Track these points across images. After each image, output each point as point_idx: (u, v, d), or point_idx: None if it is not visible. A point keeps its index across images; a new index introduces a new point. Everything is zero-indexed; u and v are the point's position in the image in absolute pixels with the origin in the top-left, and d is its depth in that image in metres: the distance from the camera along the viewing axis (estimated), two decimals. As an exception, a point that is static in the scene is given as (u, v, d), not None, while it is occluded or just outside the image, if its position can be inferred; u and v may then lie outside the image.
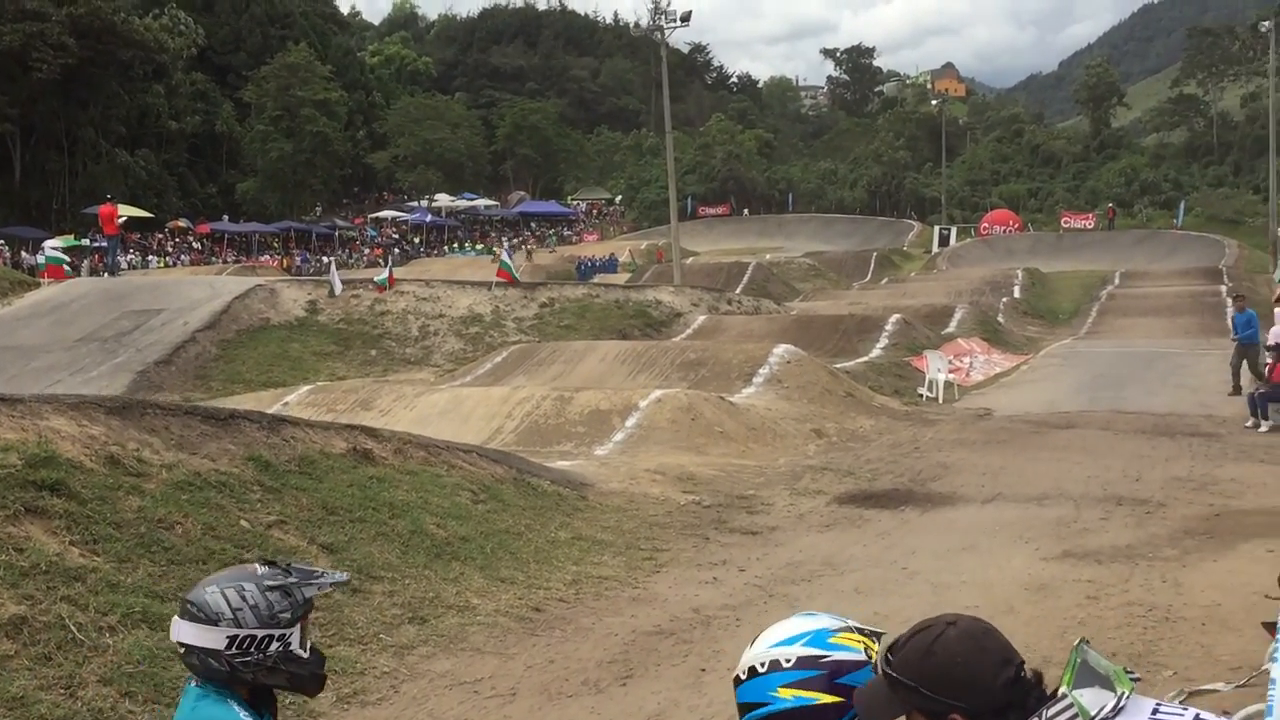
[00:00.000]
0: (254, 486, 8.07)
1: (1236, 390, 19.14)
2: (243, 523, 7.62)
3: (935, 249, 63.98)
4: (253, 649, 2.48)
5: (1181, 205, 66.29)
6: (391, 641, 6.96)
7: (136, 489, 7.30)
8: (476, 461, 11.16)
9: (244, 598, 2.50)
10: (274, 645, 2.50)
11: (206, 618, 2.49)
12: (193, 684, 2.55)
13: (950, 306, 32.49)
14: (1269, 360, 17.54)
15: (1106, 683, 1.76)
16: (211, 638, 2.48)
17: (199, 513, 7.38)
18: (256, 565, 2.62)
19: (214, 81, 76.55)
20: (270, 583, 2.54)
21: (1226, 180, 75.83)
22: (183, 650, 2.53)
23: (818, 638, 2.07)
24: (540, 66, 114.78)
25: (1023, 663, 1.82)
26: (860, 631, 2.12)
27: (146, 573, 6.57)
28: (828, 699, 2.02)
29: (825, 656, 2.04)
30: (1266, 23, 55.05)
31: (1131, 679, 1.75)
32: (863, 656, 2.06)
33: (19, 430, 7.18)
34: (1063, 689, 1.77)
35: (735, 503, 12.08)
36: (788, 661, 2.04)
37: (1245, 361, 19.65)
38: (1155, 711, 1.72)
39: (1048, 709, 1.76)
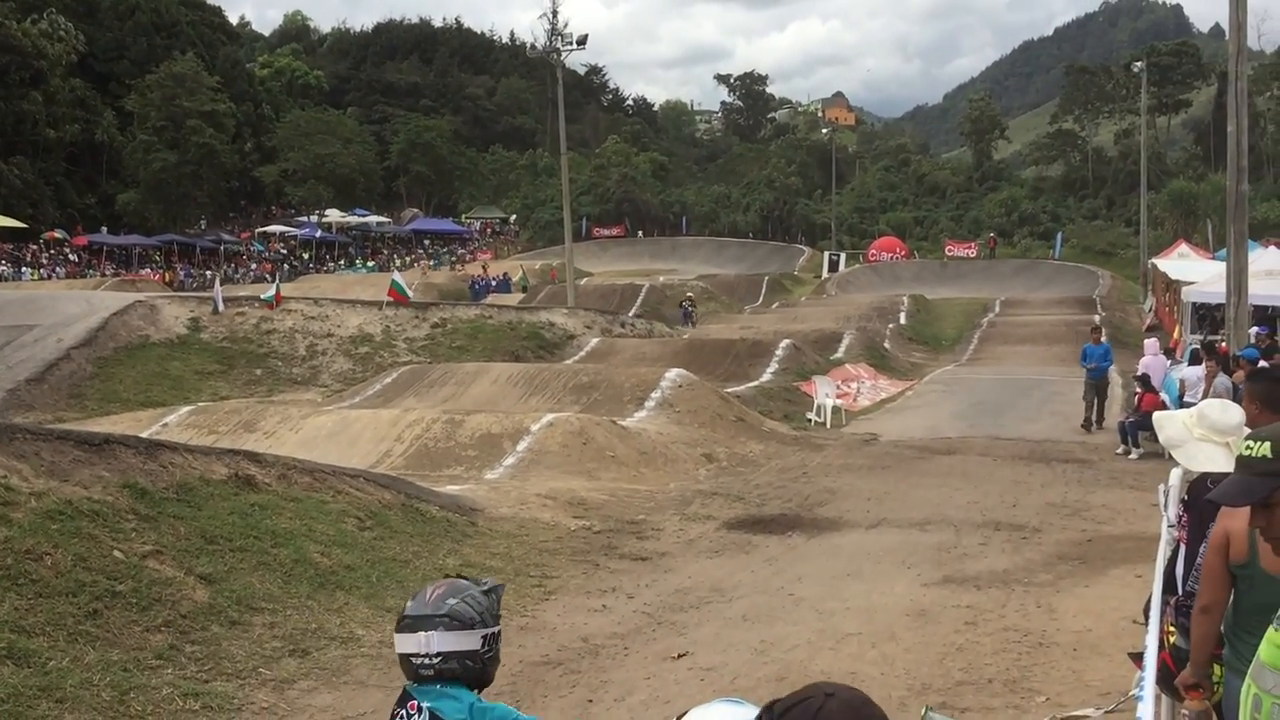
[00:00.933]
0: (129, 515, 7.80)
1: (1087, 424, 19.54)
2: (116, 553, 7.35)
3: (825, 274, 65.19)
4: (495, 645, 3.04)
5: (1059, 237, 68.75)
6: (271, 675, 6.78)
7: (3, 518, 7.00)
8: (364, 486, 10.98)
9: (480, 604, 3.01)
10: (499, 640, 3.08)
11: (464, 624, 2.96)
12: (434, 698, 2.94)
13: (839, 332, 33.12)
14: (1137, 390, 18.23)
15: None
16: (470, 641, 2.96)
17: (69, 543, 7.11)
18: (450, 580, 3.13)
19: (95, 89, 74.12)
20: (481, 589, 3.07)
21: (1100, 213, 78.93)
22: (438, 659, 2.95)
23: None
24: (435, 83, 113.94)
25: None
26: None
27: (13, 606, 6.30)
28: None
29: None
30: (1139, 63, 57.69)
31: None
32: None
33: (-125, 457, 6.84)
34: None
35: (625, 528, 12.10)
36: None
37: (1097, 397, 19.84)
38: None
39: None
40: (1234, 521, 3.42)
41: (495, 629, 3.03)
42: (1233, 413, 4.49)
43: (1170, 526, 4.57)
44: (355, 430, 16.84)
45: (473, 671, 2.99)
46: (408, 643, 3.00)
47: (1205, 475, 4.17)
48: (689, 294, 46.62)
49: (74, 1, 75.75)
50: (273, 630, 7.35)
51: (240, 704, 6.34)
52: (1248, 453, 2.74)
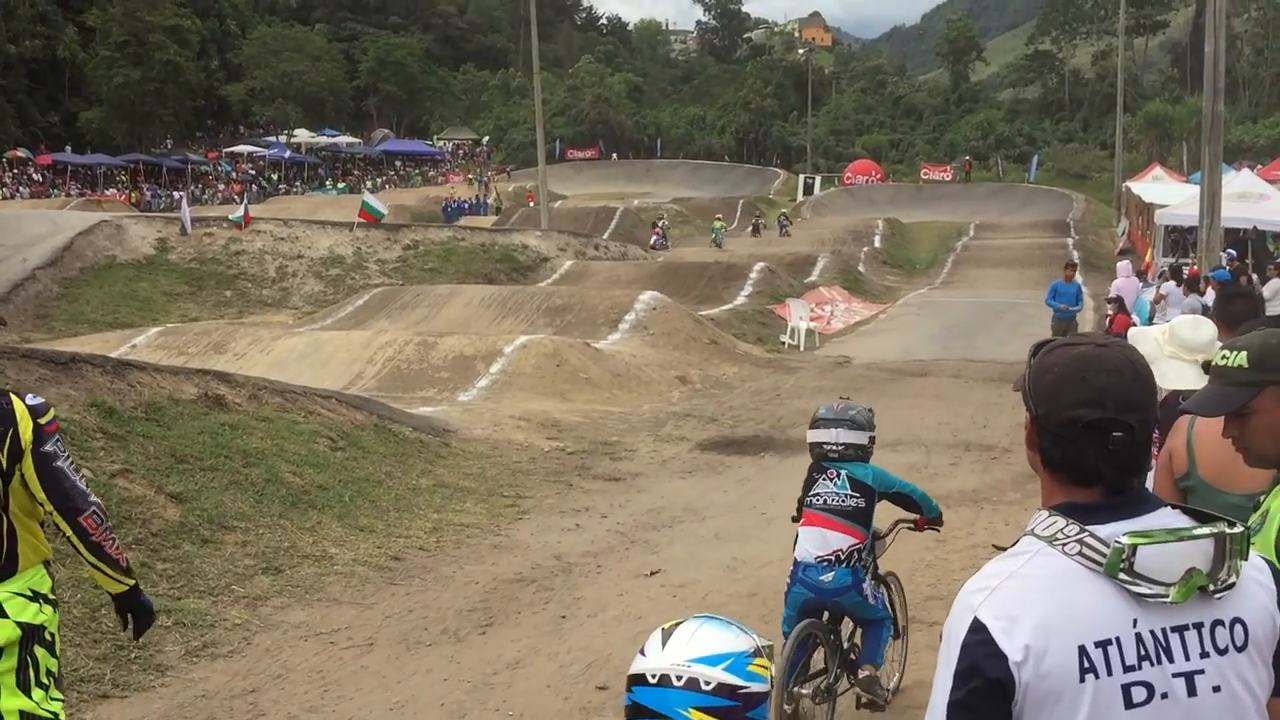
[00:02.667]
0: (97, 434, 7.72)
1: None
2: (84, 471, 7.27)
3: (800, 197, 64.92)
4: (874, 443, 5.21)
5: (1034, 160, 68.58)
6: (244, 593, 6.79)
7: (-33, 438, 6.91)
8: (335, 408, 10.93)
9: (866, 416, 5.17)
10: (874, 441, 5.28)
11: (859, 426, 5.10)
12: (847, 468, 5.08)
13: (813, 255, 33.06)
14: (1109, 311, 18.32)
15: None
16: (861, 437, 5.10)
17: (36, 462, 7.03)
18: (847, 401, 5.38)
19: (55, 4, 72.16)
20: (866, 408, 5.22)
21: (1076, 136, 78.67)
22: (842, 446, 5.07)
23: (738, 664, 2.03)
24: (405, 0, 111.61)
25: (1132, 426, 1.70)
26: (766, 654, 2.10)
27: (-21, 526, 6.24)
28: None
29: (743, 688, 2.01)
30: (1117, -17, 57.05)
31: None
32: (768, 687, 2.05)
33: None
34: None
35: (599, 449, 12.13)
36: (707, 684, 1.99)
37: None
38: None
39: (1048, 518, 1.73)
40: (1174, 440, 3.47)
41: (874, 432, 5.16)
42: (1204, 330, 4.48)
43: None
44: (327, 352, 16.74)
45: (862, 454, 5.09)
46: (822, 435, 5.08)
47: (1176, 393, 4.18)
48: (663, 216, 46.25)
49: (30, -89, 73.45)
50: (245, 548, 7.34)
51: (213, 620, 6.35)
52: (1223, 362, 2.72)
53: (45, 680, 3.35)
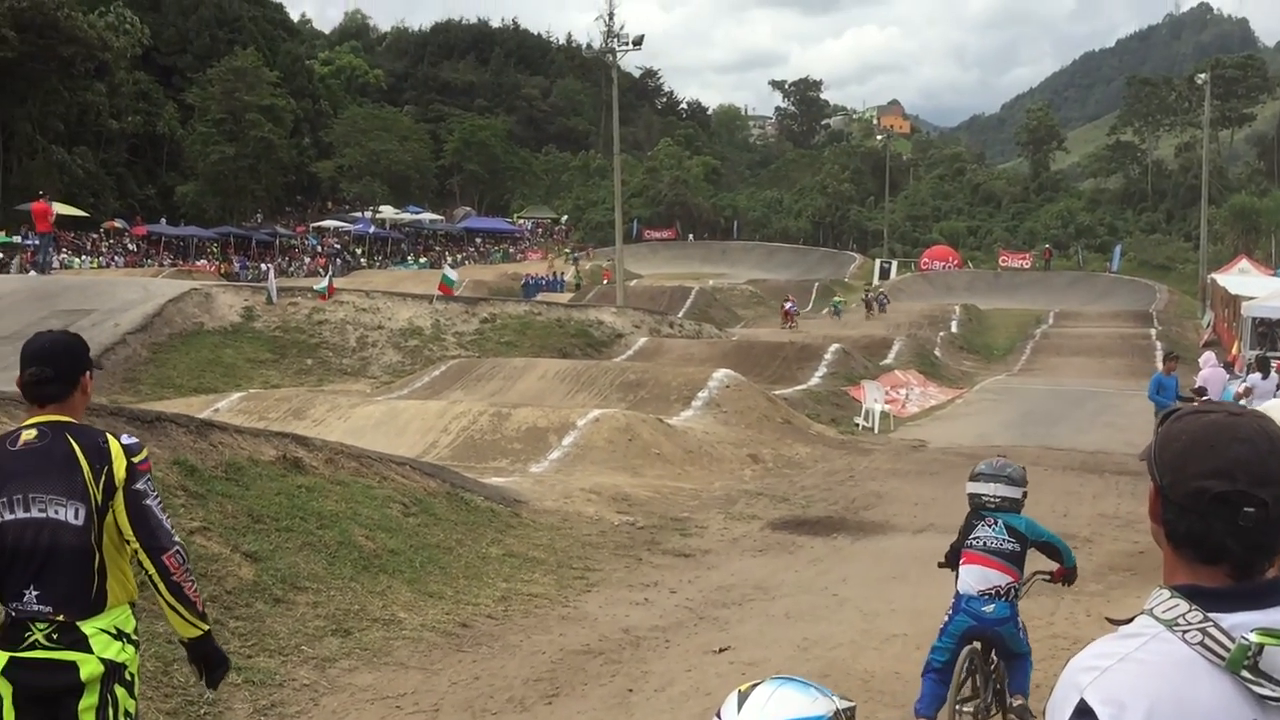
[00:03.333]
0: (178, 491, 7.86)
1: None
2: (165, 527, 7.41)
3: (876, 281, 64.73)
4: (1025, 496, 5.86)
5: (1117, 250, 67.76)
6: (313, 653, 6.80)
7: (55, 489, 7.07)
8: (409, 474, 11.02)
9: (1020, 473, 5.76)
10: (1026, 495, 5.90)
11: (1015, 482, 5.69)
12: (1003, 517, 5.67)
13: (889, 338, 32.83)
14: (1195, 401, 17.87)
15: None
16: (1016, 492, 5.69)
17: (119, 516, 7.17)
18: (1005, 458, 5.96)
19: (158, 82, 75.43)
20: (1020, 467, 5.94)
21: (1159, 227, 77.72)
22: (999, 499, 5.66)
23: None
24: (491, 83, 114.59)
25: (1265, 502, 1.57)
26: (847, 718, 2.07)
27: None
28: None
29: None
30: (1203, 75, 56.73)
31: None
32: None
33: (-67, 424, 6.94)
34: None
35: (669, 524, 12.05)
36: None
37: None
38: None
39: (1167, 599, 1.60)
40: None
41: (1027, 488, 5.78)
42: (1303, 412, 4.35)
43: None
44: (403, 420, 16.92)
45: (1016, 506, 5.67)
46: (982, 488, 5.68)
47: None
48: (878, 288, 49.94)
49: (140, -5, 77.15)
50: (316, 609, 7.38)
51: (282, 680, 6.36)
52: None
53: None
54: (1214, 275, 39.93)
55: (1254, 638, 1.51)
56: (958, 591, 5.69)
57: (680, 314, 39.10)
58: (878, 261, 70.99)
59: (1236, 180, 79.69)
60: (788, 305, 43.07)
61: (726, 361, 24.02)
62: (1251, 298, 27.27)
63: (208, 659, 3.66)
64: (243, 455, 9.15)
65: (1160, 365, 18.93)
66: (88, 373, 3.63)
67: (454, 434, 16.22)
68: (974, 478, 5.77)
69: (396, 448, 14.31)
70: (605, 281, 54.70)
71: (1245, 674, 1.51)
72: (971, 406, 24.89)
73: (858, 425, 21.16)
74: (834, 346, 27.84)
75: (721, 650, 7.58)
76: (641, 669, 7.13)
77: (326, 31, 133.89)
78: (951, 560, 5.88)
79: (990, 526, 5.65)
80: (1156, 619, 1.60)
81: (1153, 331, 39.57)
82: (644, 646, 7.65)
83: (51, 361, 3.52)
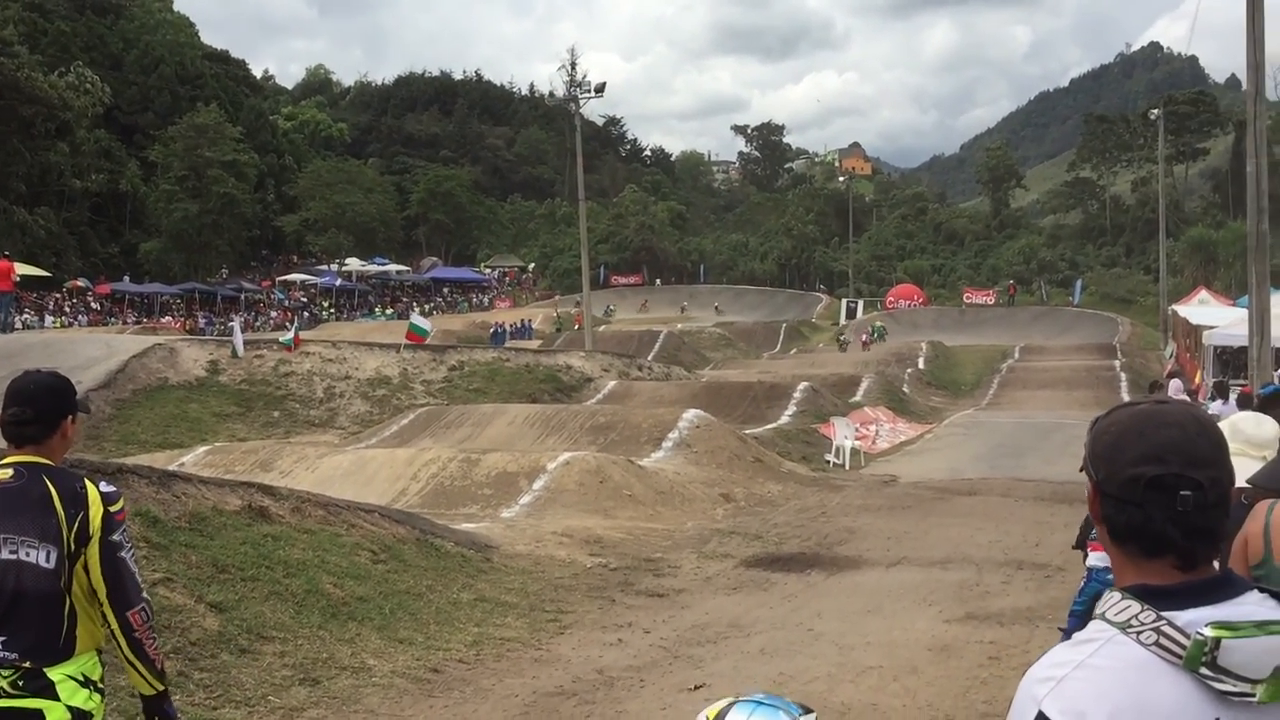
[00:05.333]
0: (140, 543, 7.70)
1: None
2: (127, 580, 7.27)
3: (843, 320, 65.13)
4: None
5: (1078, 284, 68.61)
6: (280, 703, 6.67)
7: (13, 543, 6.93)
8: (378, 521, 10.89)
9: None
10: None
11: None
12: None
13: (857, 376, 32.98)
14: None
15: None
16: None
17: (80, 569, 7.03)
18: None
19: (120, 140, 75.16)
20: None
21: (1119, 260, 78.77)
22: None
23: None
24: (455, 134, 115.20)
25: (1200, 484, 1.56)
26: None
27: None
28: None
29: None
30: (1156, 110, 57.77)
31: None
32: None
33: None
34: None
35: (642, 565, 11.96)
36: None
37: None
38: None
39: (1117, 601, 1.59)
40: (1252, 524, 3.35)
41: None
42: (1267, 426, 4.40)
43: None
44: (371, 469, 16.77)
45: None
46: None
47: (1240, 490, 4.07)
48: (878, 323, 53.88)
49: (100, 55, 77.09)
50: (283, 659, 7.24)
51: (248, 731, 6.23)
52: None
53: None
54: (1175, 307, 40.43)
55: (1209, 632, 1.49)
56: (1088, 567, 7.13)
57: (649, 357, 39.13)
58: (844, 301, 71.48)
59: (1193, 213, 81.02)
60: (864, 337, 50.83)
61: (696, 402, 24.01)
62: (1212, 327, 27.59)
63: (162, 717, 3.57)
64: (207, 505, 9.02)
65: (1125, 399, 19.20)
66: (70, 416, 3.54)
67: (423, 481, 16.09)
68: None
69: (366, 496, 14.17)
70: (578, 326, 54.77)
71: (1205, 671, 1.49)
72: (941, 441, 24.97)
73: (829, 462, 21.17)
74: (803, 385, 27.91)
75: (697, 688, 7.50)
76: (616, 709, 7.04)
77: (289, 87, 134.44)
78: (1080, 545, 7.50)
79: None
80: (1109, 622, 1.57)
81: (1117, 363, 39.96)
82: (618, 686, 7.55)
83: (32, 402, 3.44)
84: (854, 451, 21.36)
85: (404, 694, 7.18)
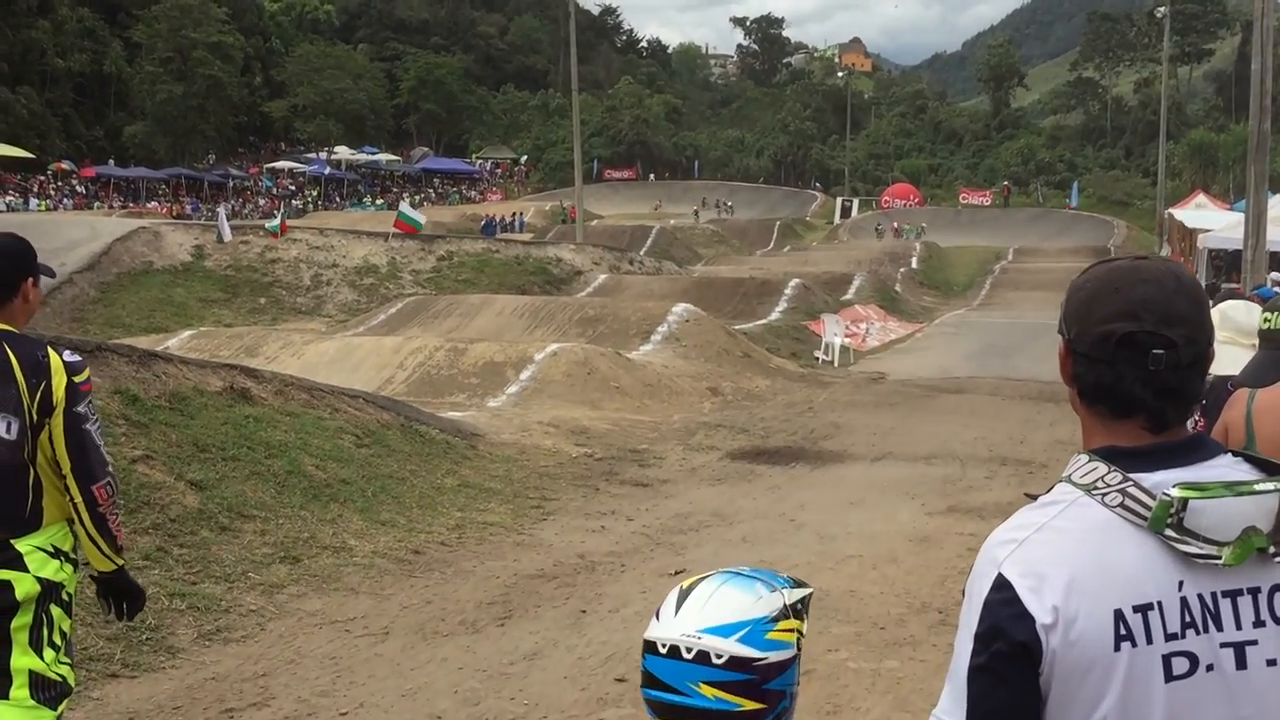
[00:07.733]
0: (119, 420, 7.65)
1: None
2: (105, 456, 7.22)
3: (837, 220, 64.67)
4: None
5: (1075, 186, 68.01)
6: (260, 580, 6.68)
7: (-12, 418, 6.85)
8: (363, 407, 10.84)
9: None
10: None
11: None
12: None
13: (849, 274, 32.81)
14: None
15: None
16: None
17: (57, 444, 6.96)
18: None
19: (103, 19, 73.31)
20: None
21: (1118, 163, 77.98)
22: None
23: (755, 633, 1.84)
24: (446, 20, 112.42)
25: (1175, 342, 1.50)
26: (795, 612, 1.90)
27: None
28: (751, 705, 1.82)
29: (759, 660, 1.83)
30: (1162, 9, 56.46)
31: None
32: (793, 652, 1.85)
33: None
34: None
35: (627, 456, 11.97)
36: (718, 658, 1.82)
37: None
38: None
39: (1082, 463, 1.53)
40: (1231, 412, 3.29)
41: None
42: (1257, 314, 4.30)
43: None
44: (358, 357, 16.71)
45: None
46: None
47: (1224, 378, 3.99)
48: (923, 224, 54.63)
49: (81, -71, 74.80)
50: (263, 537, 7.24)
51: (228, 606, 6.24)
52: (1266, 325, 2.56)
53: (58, 641, 3.22)
54: (1171, 210, 40.11)
55: (1176, 493, 1.43)
56: None
57: (642, 251, 38.87)
58: (839, 200, 70.88)
59: (1195, 116, 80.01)
60: (895, 224, 53.70)
61: (687, 297, 23.89)
62: (1207, 230, 27.38)
63: (121, 592, 3.49)
64: (188, 385, 8.93)
65: None
66: (30, 278, 3.35)
67: (409, 370, 16.04)
68: None
69: (351, 383, 14.10)
70: (572, 219, 54.22)
71: (1170, 532, 1.44)
72: (931, 340, 24.97)
73: (817, 359, 21.16)
74: (794, 282, 27.78)
75: (677, 573, 7.52)
76: (596, 591, 7.07)
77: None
78: None
79: None
80: (1075, 484, 1.51)
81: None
82: (599, 570, 7.58)
83: None
84: (843, 349, 21.33)
85: (385, 574, 7.19)
